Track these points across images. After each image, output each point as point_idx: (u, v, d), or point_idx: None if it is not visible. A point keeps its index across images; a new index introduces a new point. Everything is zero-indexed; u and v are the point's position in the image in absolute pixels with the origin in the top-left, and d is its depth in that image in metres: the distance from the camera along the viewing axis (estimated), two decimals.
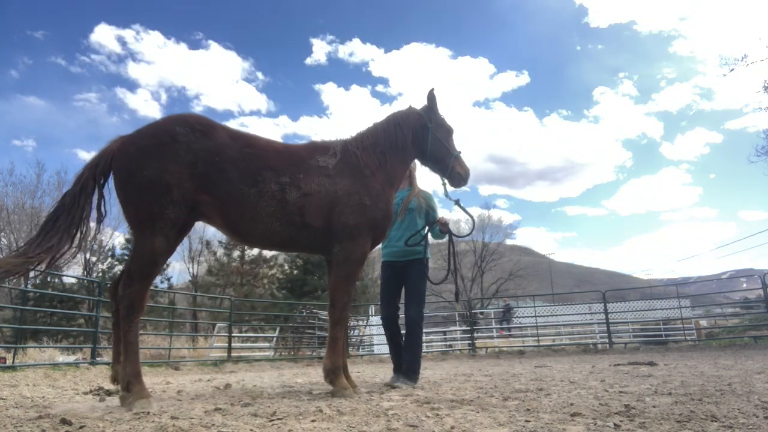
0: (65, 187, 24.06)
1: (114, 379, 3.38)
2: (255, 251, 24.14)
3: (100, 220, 3.32)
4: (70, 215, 3.12)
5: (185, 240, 27.53)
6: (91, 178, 3.17)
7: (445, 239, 4.68)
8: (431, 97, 4.14)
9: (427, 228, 4.59)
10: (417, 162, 4.40)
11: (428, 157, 4.15)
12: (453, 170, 4.16)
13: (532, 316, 13.83)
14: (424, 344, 16.15)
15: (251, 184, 3.29)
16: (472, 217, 4.64)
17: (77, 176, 3.24)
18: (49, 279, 18.89)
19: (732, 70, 14.40)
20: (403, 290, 4.61)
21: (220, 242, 25.90)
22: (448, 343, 15.27)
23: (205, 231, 27.16)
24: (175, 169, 3.08)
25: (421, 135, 4.08)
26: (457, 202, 4.41)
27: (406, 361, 4.41)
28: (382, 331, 15.54)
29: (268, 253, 24.33)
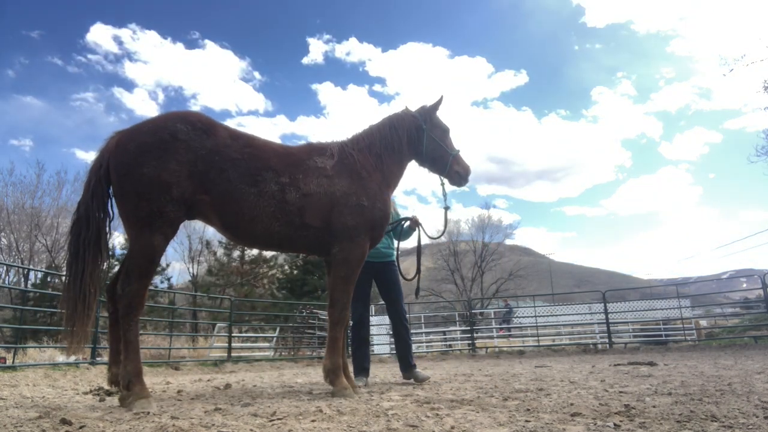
0: (65, 187, 24.04)
1: (111, 381, 3.37)
2: (255, 251, 24.15)
3: (108, 221, 3.32)
4: (89, 227, 3.14)
5: (185, 240, 27.56)
6: (99, 182, 3.17)
7: (413, 239, 4.95)
8: (438, 101, 4.23)
9: (398, 223, 4.92)
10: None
11: (425, 157, 4.17)
12: (451, 169, 4.18)
13: (532, 316, 13.83)
14: (424, 344, 16.31)
15: (251, 184, 3.29)
16: (445, 227, 4.71)
17: (86, 183, 3.26)
18: (49, 279, 18.89)
19: (731, 70, 14.41)
20: (384, 290, 4.95)
21: (220, 242, 25.87)
22: (448, 343, 15.26)
23: (205, 231, 27.19)
24: (175, 168, 3.07)
25: (416, 136, 4.11)
26: (446, 209, 4.46)
27: (407, 355, 4.79)
28: (382, 331, 15.38)
29: (268, 253, 24.31)
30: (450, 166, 4.17)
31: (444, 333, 16.85)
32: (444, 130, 4.23)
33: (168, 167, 3.05)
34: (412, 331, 15.55)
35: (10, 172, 24.17)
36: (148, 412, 2.67)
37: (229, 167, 3.25)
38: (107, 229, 3.24)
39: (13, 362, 6.79)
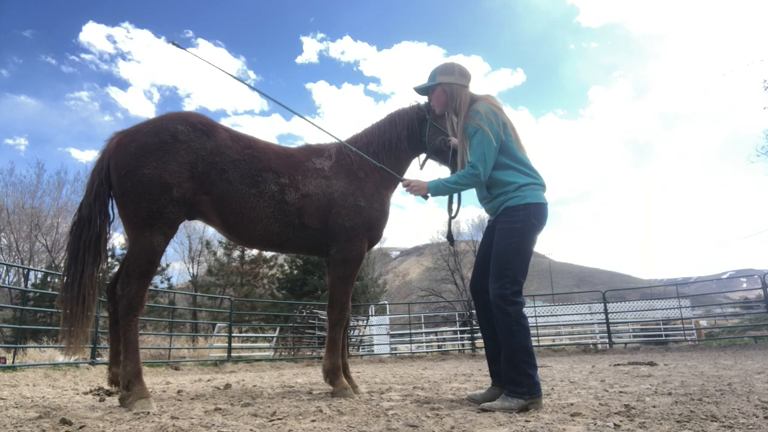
0: (65, 187, 24.10)
1: (111, 381, 3.38)
2: (255, 251, 24.16)
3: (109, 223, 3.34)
4: (91, 229, 3.16)
5: (185, 240, 27.58)
6: (101, 184, 3.19)
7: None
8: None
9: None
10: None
11: (429, 149, 3.84)
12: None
13: (532, 316, 13.82)
14: (424, 344, 16.22)
15: (251, 185, 3.31)
16: (457, 209, 3.57)
17: (88, 184, 3.27)
18: (49, 279, 18.88)
19: (731, 69, 14.44)
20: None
21: (220, 242, 25.90)
22: (448, 342, 15.27)
23: (205, 231, 27.22)
24: (176, 169, 3.09)
25: (418, 128, 3.82)
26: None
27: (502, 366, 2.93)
28: (382, 331, 15.30)
29: (268, 253, 24.32)
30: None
31: (444, 333, 16.86)
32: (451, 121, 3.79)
33: (169, 168, 3.07)
34: (411, 331, 15.70)
35: (10, 172, 24.27)
36: (148, 412, 2.67)
37: (229, 168, 3.27)
38: (107, 230, 3.26)
39: (13, 362, 6.79)
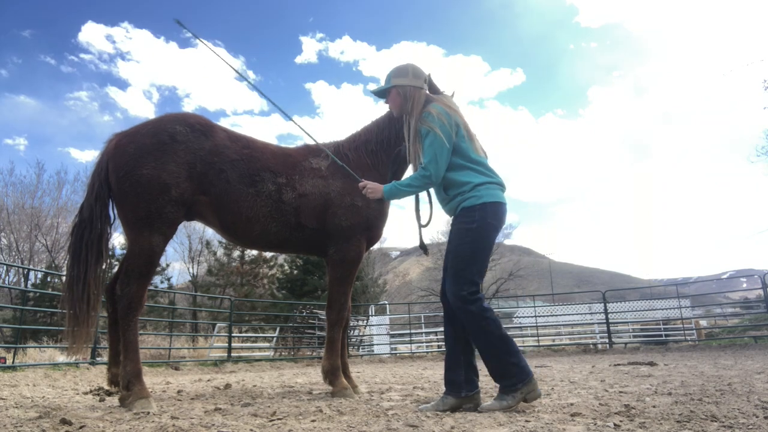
0: (65, 187, 24.10)
1: (111, 381, 3.38)
2: (255, 251, 24.16)
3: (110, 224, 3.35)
4: (92, 230, 3.18)
5: (185, 240, 27.57)
6: (101, 185, 3.20)
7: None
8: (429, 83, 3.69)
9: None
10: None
11: (392, 160, 3.78)
12: None
13: (532, 316, 13.84)
14: (424, 344, 16.17)
15: (249, 184, 3.31)
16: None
17: (89, 186, 3.29)
18: (49, 279, 18.89)
19: (731, 69, 14.46)
20: None
21: (220, 242, 25.90)
22: None
23: (205, 231, 27.21)
24: (174, 169, 3.10)
25: None
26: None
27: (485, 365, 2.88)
28: (382, 331, 15.32)
29: (268, 253, 24.32)
30: None
31: (443, 333, 16.85)
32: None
33: (167, 168, 3.07)
34: (411, 331, 15.69)
35: (10, 172, 24.27)
36: (148, 412, 2.67)
37: (227, 168, 3.27)
38: (109, 231, 3.27)
39: (13, 362, 6.78)
